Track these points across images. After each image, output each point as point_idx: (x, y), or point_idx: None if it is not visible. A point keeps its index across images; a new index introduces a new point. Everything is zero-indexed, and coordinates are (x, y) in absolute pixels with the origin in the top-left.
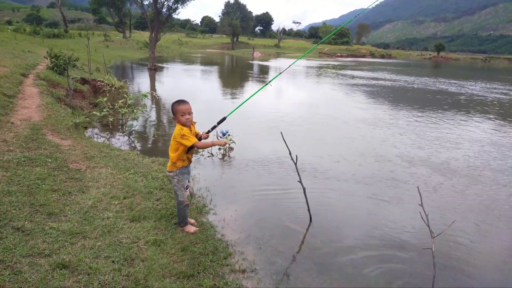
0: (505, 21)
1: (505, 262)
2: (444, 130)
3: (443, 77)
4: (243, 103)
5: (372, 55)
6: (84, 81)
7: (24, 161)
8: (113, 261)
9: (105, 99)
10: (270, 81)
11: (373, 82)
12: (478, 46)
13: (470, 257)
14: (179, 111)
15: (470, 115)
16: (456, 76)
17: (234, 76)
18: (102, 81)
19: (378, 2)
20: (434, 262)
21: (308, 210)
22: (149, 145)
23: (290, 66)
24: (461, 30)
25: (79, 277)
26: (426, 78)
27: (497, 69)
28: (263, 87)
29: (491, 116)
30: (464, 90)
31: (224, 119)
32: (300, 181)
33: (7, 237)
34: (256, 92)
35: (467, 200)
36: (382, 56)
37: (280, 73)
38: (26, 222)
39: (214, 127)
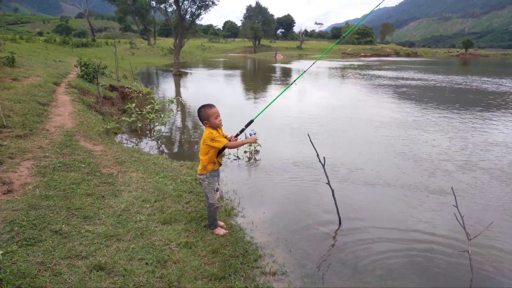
0: None
1: None
2: (486, 131)
3: (475, 74)
4: (268, 105)
5: (397, 53)
6: (112, 88)
7: (59, 166)
8: (146, 263)
9: (133, 105)
10: (294, 81)
11: (401, 82)
12: (509, 42)
13: (508, 259)
14: (212, 114)
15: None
16: (490, 74)
17: (257, 79)
18: (130, 88)
19: (383, 1)
20: (471, 265)
21: (337, 212)
22: (177, 149)
23: (314, 63)
24: (490, 26)
25: (115, 278)
26: (460, 77)
27: None
28: (288, 87)
29: None
30: (504, 89)
31: (251, 121)
32: (328, 183)
33: (46, 240)
34: (282, 93)
35: (504, 202)
36: (408, 55)
37: (305, 71)
38: (63, 225)
39: (242, 130)
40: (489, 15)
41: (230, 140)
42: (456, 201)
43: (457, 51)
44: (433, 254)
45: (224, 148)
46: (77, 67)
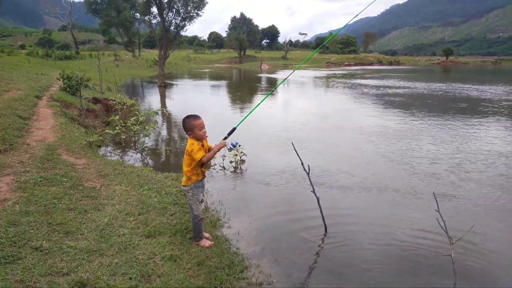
0: None
1: None
2: (472, 137)
3: (456, 81)
4: (250, 112)
5: (380, 62)
6: (96, 100)
7: (40, 181)
8: (130, 278)
9: (117, 117)
10: (274, 88)
11: (384, 90)
12: (487, 49)
13: (490, 263)
14: (197, 125)
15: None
16: (471, 80)
17: (243, 89)
18: (114, 100)
19: (360, 12)
20: (454, 269)
21: (323, 220)
22: (162, 161)
23: (293, 72)
24: (469, 34)
25: None
26: (443, 84)
27: (510, 70)
28: (268, 94)
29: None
30: (487, 95)
31: (234, 129)
32: (313, 191)
33: (26, 257)
34: (263, 100)
35: (487, 206)
36: (390, 63)
37: (284, 79)
38: (44, 242)
39: (225, 138)
40: (468, 24)
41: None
42: (438, 206)
43: (438, 59)
44: (418, 258)
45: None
46: (59, 80)
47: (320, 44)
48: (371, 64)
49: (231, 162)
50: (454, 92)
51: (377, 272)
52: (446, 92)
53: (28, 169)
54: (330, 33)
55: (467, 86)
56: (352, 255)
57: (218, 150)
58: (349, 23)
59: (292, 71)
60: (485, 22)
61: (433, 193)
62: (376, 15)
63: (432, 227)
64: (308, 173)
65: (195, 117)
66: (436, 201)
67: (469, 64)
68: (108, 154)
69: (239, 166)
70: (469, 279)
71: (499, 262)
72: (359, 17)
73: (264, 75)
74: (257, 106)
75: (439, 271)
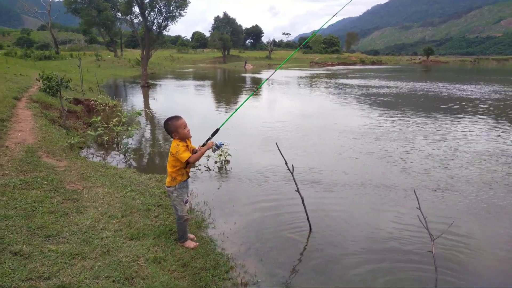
0: (491, 22)
1: (505, 260)
2: (453, 136)
3: (438, 80)
4: (233, 113)
5: (363, 62)
6: (77, 101)
7: (20, 184)
8: (113, 281)
9: (99, 118)
10: (256, 89)
11: (368, 90)
12: (466, 48)
13: (471, 258)
14: (180, 125)
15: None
16: (452, 79)
17: (227, 90)
18: (96, 101)
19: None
20: (435, 265)
21: (308, 219)
22: (145, 162)
23: (275, 71)
24: (449, 34)
25: None
26: (424, 83)
27: (488, 69)
28: (249, 96)
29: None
30: (468, 94)
31: (217, 130)
32: (298, 191)
33: (5, 262)
34: (244, 102)
35: (468, 202)
36: (373, 63)
37: (266, 79)
38: (24, 246)
39: (209, 139)
40: (447, 23)
41: (196, 151)
42: (419, 203)
43: (419, 58)
44: (401, 256)
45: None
46: (39, 81)
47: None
48: (354, 64)
49: (216, 162)
50: (437, 91)
51: (361, 269)
52: (429, 91)
53: (7, 172)
54: (313, 33)
55: (452, 86)
56: (337, 253)
57: (206, 151)
58: (324, 26)
59: (273, 71)
60: (464, 22)
61: (414, 191)
62: (358, 15)
63: (414, 224)
64: (292, 173)
65: (177, 117)
66: (417, 198)
67: (449, 63)
68: (90, 156)
69: (224, 167)
70: (451, 275)
71: (480, 257)
72: (341, 17)
73: (248, 75)
74: (239, 107)
75: (421, 267)
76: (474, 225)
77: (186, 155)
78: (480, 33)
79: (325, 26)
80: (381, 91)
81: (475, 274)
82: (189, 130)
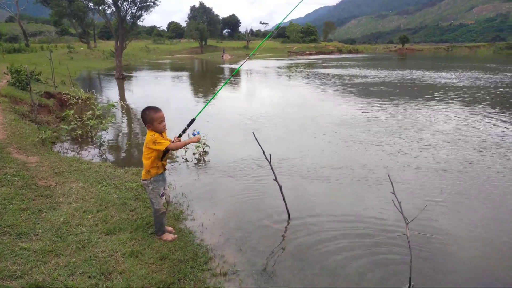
0: (463, 10)
1: (477, 239)
2: (431, 124)
3: (415, 68)
4: (208, 103)
5: (340, 51)
6: (49, 95)
7: None
8: (89, 277)
9: (72, 112)
10: (230, 77)
11: (345, 80)
12: (440, 36)
13: (446, 241)
14: (157, 118)
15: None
16: (429, 67)
17: (205, 80)
18: (68, 94)
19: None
20: (409, 247)
21: (286, 207)
22: (121, 156)
23: (246, 60)
24: (423, 22)
25: None
26: (400, 71)
27: (461, 57)
28: (226, 82)
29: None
30: (442, 80)
31: (193, 120)
32: (275, 179)
33: None
34: (221, 88)
35: (443, 184)
36: (350, 52)
37: (238, 69)
38: None
39: (185, 130)
40: (422, 12)
41: (173, 142)
42: (393, 187)
43: (395, 47)
44: (377, 239)
45: (167, 150)
46: (7, 74)
47: (282, 33)
48: (331, 52)
49: (194, 154)
50: (413, 79)
51: (339, 255)
52: (405, 79)
53: None
54: (291, 22)
55: (427, 73)
56: (315, 239)
57: (189, 143)
58: (291, 12)
59: (246, 58)
60: (438, 10)
61: (388, 175)
62: (335, 4)
63: (390, 210)
64: (270, 162)
65: (155, 109)
66: (392, 183)
67: (424, 51)
68: (64, 150)
69: (202, 158)
70: (424, 257)
71: (452, 240)
72: (318, 6)
73: (226, 66)
74: (214, 95)
75: (396, 250)
76: (447, 210)
77: (165, 143)
78: (453, 21)
79: (304, 14)
80: (360, 80)
81: (448, 257)
82: (164, 125)
